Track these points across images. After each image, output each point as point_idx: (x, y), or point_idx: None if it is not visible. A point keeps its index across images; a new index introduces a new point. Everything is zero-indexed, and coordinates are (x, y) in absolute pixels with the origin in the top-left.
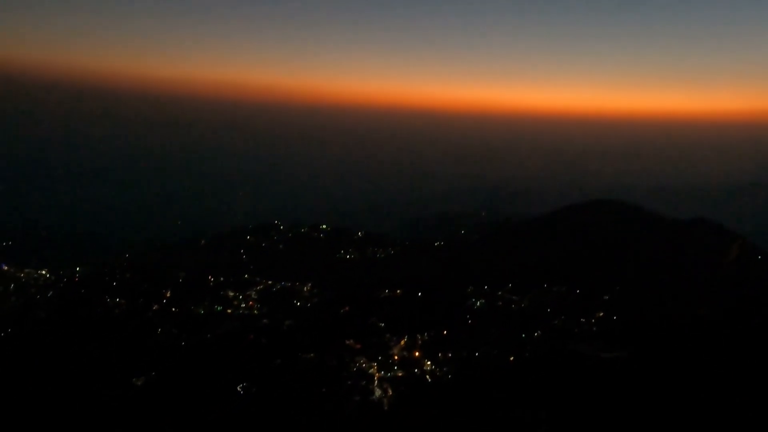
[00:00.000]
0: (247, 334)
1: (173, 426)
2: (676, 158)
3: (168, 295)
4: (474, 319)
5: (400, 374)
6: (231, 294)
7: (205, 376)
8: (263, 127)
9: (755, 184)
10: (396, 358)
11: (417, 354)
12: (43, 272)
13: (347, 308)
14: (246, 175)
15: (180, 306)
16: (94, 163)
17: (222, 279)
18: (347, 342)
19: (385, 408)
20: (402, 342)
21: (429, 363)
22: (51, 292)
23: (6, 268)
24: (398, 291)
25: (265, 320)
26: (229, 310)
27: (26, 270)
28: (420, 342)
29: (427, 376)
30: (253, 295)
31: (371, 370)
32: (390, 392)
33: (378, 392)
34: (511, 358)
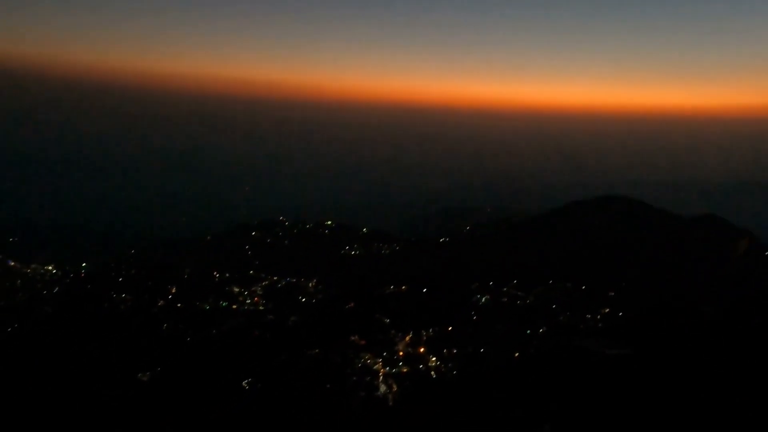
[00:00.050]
0: (252, 329)
1: (178, 421)
2: (679, 154)
3: (173, 291)
4: (479, 316)
5: (404, 370)
6: (236, 290)
7: (210, 372)
8: (267, 123)
9: (759, 179)
10: (401, 354)
11: (422, 350)
12: (50, 268)
13: (352, 304)
14: (251, 172)
15: (185, 302)
16: (100, 160)
17: (227, 275)
18: (352, 338)
19: (390, 404)
20: (407, 338)
21: (434, 359)
22: (57, 288)
23: (12, 263)
24: (403, 287)
25: (270, 316)
26: (234, 306)
27: (32, 266)
28: (425, 338)
29: (432, 373)
30: (258, 291)
31: (376, 366)
32: (395, 388)
33: (383, 388)
34: (516, 355)
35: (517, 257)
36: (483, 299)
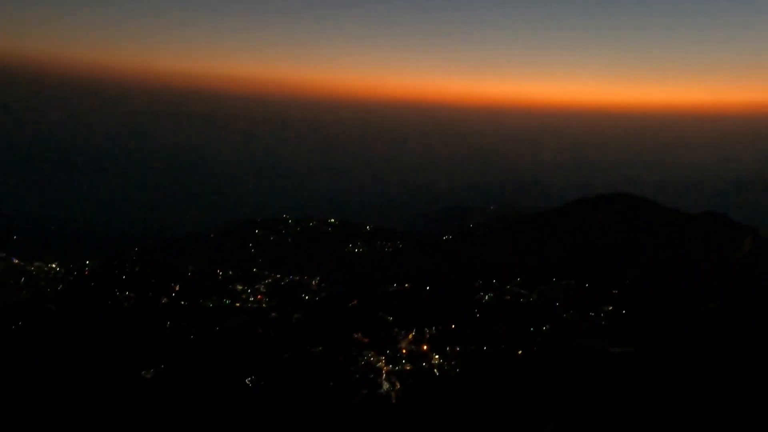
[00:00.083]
0: (256, 327)
1: (182, 419)
2: (683, 151)
3: (177, 288)
4: (482, 314)
5: (408, 368)
6: (239, 287)
7: (213, 370)
8: (271, 121)
9: (763, 177)
10: (404, 351)
11: (425, 348)
12: (53, 266)
13: (355, 302)
14: (254, 169)
15: (189, 299)
16: (103, 158)
17: (231, 273)
18: (355, 336)
19: (393, 402)
20: (410, 336)
21: (437, 357)
22: (61, 286)
23: (16, 261)
24: (406, 285)
25: (273, 314)
26: (237, 304)
27: (36, 263)
28: (428, 336)
29: (435, 370)
30: (262, 288)
31: (379, 364)
32: (398, 386)
33: (386, 386)
34: (519, 353)
35: (520, 255)
36: (486, 297)
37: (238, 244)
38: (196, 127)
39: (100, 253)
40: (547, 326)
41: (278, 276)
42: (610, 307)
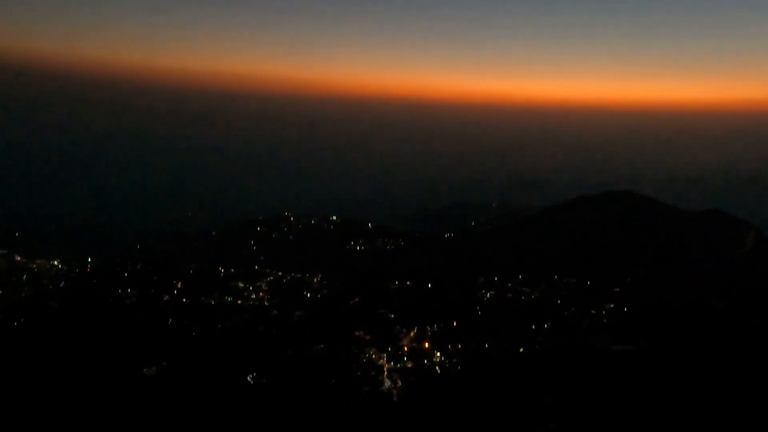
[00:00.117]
0: (257, 325)
1: (184, 415)
2: (685, 149)
3: (179, 286)
4: (484, 311)
5: (409, 365)
6: (241, 285)
7: (215, 367)
8: (274, 118)
9: (765, 174)
10: (405, 349)
11: (426, 345)
12: (55, 263)
13: (357, 299)
14: (256, 167)
15: (190, 297)
16: (106, 155)
17: (232, 270)
18: (357, 333)
19: (395, 399)
20: (411, 333)
21: (438, 354)
22: (63, 283)
23: (18, 258)
24: (408, 282)
25: (275, 311)
26: (239, 301)
27: (38, 260)
28: (429, 333)
29: (437, 368)
30: (264, 286)
31: (381, 362)
32: (399, 383)
33: (387, 383)
34: (521, 350)
35: (521, 253)
36: (488, 295)
37: (240, 241)
38: (197, 125)
39: (102, 251)
40: (549, 324)
41: (280, 274)
42: (612, 305)
